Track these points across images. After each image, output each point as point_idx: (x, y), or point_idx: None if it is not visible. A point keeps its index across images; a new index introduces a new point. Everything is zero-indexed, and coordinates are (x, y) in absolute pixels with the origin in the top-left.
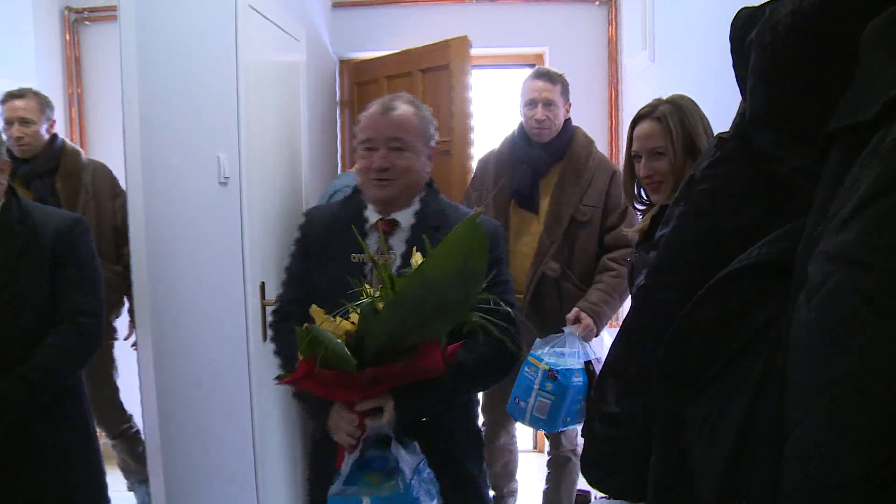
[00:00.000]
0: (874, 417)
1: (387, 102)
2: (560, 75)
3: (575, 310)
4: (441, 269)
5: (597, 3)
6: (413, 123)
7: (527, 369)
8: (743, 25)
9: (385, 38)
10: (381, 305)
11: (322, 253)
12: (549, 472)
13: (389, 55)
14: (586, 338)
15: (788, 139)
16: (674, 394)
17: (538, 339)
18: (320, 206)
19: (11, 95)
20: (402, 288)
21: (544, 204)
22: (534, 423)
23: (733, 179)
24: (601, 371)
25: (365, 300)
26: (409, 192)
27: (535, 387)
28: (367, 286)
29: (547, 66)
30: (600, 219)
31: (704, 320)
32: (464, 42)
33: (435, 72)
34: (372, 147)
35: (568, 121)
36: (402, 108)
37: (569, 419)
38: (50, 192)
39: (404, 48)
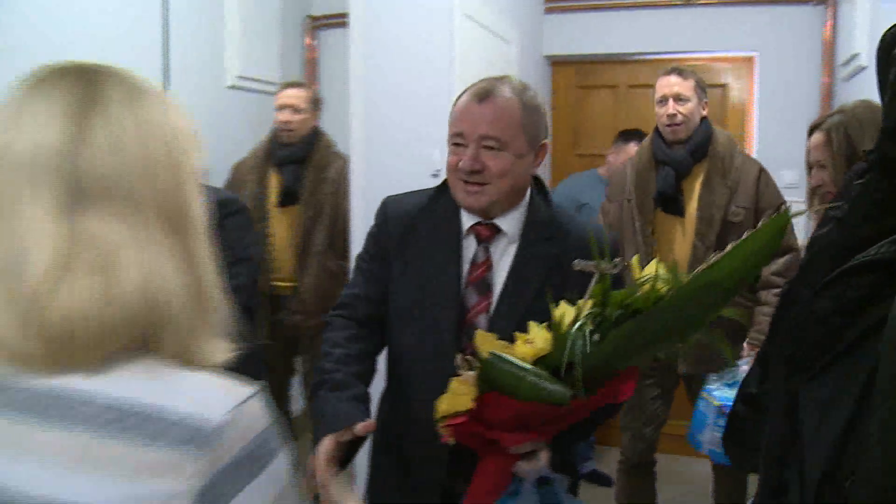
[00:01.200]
0: None
1: (484, 88)
2: (693, 72)
3: (748, 345)
4: (726, 273)
5: (812, 3)
6: (515, 116)
7: (701, 405)
8: (890, 43)
9: (596, 40)
10: (589, 325)
11: (401, 254)
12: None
13: (630, 63)
14: None
15: None
16: (790, 376)
17: (712, 375)
18: (400, 196)
19: (287, 85)
20: (660, 300)
21: (690, 208)
22: (713, 455)
23: (873, 189)
24: (753, 360)
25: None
26: (510, 197)
27: (709, 423)
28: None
29: (757, 71)
30: (753, 219)
31: (823, 310)
32: (747, 63)
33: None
34: (462, 143)
35: (705, 119)
36: (503, 96)
37: None
38: (297, 178)
39: (618, 51)
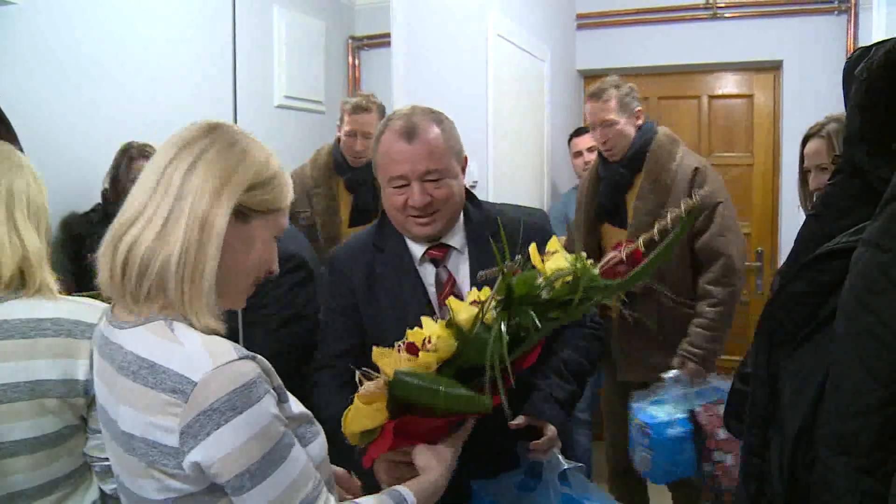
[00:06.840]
0: (887, 361)
1: (407, 127)
2: (613, 86)
3: (678, 358)
4: (635, 277)
5: (836, 13)
6: (443, 145)
7: (631, 427)
8: (854, 62)
9: (626, 54)
10: (490, 319)
11: (369, 298)
12: None
13: (659, 75)
14: (696, 382)
15: (877, 154)
16: (771, 349)
17: (637, 392)
18: (345, 246)
19: (360, 108)
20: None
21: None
22: (644, 475)
23: (842, 188)
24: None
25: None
26: (455, 216)
27: (637, 443)
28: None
29: (783, 80)
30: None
31: (799, 292)
32: (774, 72)
33: (730, 100)
34: (404, 184)
35: (642, 127)
36: (428, 131)
37: (679, 469)
38: (372, 198)
39: (647, 64)
